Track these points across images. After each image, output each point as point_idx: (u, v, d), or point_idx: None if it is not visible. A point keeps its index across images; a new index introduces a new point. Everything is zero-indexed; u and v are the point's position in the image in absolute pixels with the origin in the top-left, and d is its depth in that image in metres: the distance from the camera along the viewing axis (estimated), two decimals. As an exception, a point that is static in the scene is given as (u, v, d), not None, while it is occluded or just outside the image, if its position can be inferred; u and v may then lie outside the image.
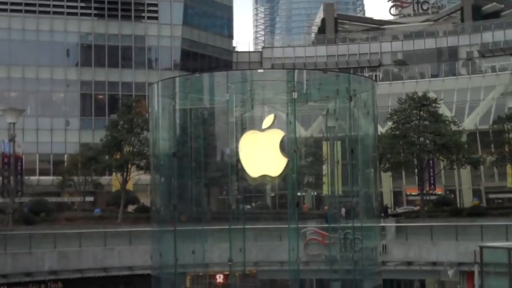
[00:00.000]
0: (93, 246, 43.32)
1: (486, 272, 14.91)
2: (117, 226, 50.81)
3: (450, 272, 40.60)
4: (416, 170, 58.91)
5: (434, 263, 42.30)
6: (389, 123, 58.64)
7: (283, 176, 28.81)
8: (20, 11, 78.62)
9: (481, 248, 14.97)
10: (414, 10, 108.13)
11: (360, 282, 32.25)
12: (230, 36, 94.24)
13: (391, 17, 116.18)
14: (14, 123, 53.67)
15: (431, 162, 60.49)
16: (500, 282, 14.64)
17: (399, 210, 59.94)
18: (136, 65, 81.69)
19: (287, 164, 27.76)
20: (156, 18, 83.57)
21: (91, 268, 42.36)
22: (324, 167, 55.70)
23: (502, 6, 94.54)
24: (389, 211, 62.90)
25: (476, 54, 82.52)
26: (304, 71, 28.32)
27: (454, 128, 57.86)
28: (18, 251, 40.15)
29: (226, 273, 41.97)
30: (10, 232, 44.40)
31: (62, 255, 41.44)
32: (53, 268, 41.00)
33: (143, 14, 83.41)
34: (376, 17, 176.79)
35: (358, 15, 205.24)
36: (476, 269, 14.30)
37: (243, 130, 30.47)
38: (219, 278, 45.32)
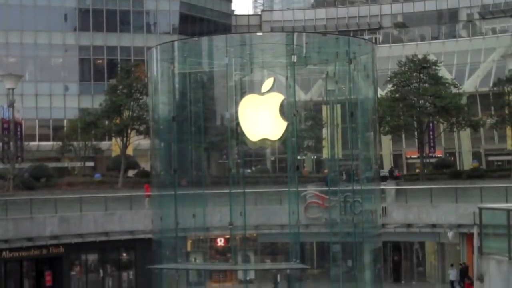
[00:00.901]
0: (94, 211, 43.46)
1: (485, 233, 14.94)
2: (117, 190, 50.97)
3: (450, 234, 40.80)
4: (416, 133, 58.90)
5: (434, 225, 42.49)
6: (389, 86, 58.47)
7: (283, 139, 28.82)
8: (17, -25, 77.98)
9: (480, 209, 14.99)
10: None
11: (360, 244, 32.42)
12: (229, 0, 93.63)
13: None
14: (13, 89, 53.56)
15: (431, 124, 60.41)
16: (499, 244, 14.68)
17: None
18: (134, 29, 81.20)
19: (286, 128, 27.75)
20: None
21: (92, 233, 42.56)
22: (324, 130, 55.68)
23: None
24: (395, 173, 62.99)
25: (476, 16, 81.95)
26: (304, 34, 28.16)
27: (454, 90, 57.68)
28: (19, 217, 40.28)
29: (227, 236, 42.17)
30: (10, 197, 44.56)
31: (63, 220, 41.62)
32: (54, 233, 41.19)
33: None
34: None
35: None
36: (475, 230, 14.36)
37: (242, 94, 30.39)
38: (220, 242, 45.59)
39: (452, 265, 43.82)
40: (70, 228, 41.76)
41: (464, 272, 41.55)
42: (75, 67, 79.49)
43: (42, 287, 43.12)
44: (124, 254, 45.96)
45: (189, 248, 41.26)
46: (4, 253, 39.67)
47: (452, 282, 42.69)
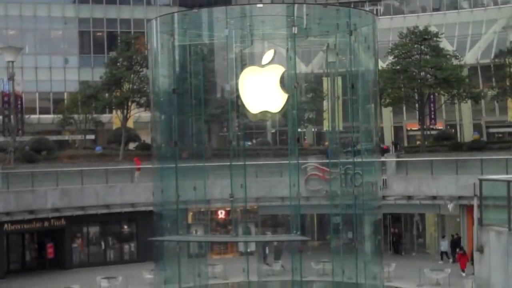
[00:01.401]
0: (95, 184, 43.59)
1: (485, 205, 14.98)
2: (118, 163, 51.04)
3: (450, 206, 40.93)
4: (416, 105, 58.77)
5: (434, 197, 42.60)
6: (390, 58, 58.23)
7: (283, 112, 28.82)
8: None
9: (481, 181, 15.00)
10: None
11: (360, 216, 32.54)
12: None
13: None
14: (12, 62, 53.41)
15: (431, 96, 60.25)
16: (499, 215, 14.72)
17: None
18: (134, 1, 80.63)
19: (287, 100, 27.70)
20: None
21: (93, 205, 42.73)
22: (325, 102, 55.62)
23: None
24: (398, 147, 63.10)
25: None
26: (304, 5, 27.86)
27: (455, 62, 57.45)
28: (21, 189, 40.41)
29: (228, 209, 42.35)
30: (12, 170, 44.63)
31: (64, 193, 41.75)
32: (55, 206, 41.35)
33: None
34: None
35: None
36: (475, 202, 14.43)
37: (242, 66, 30.32)
38: (221, 214, 45.76)
39: (443, 237, 44.31)
40: (71, 200, 41.90)
41: (456, 243, 42.03)
42: (75, 40, 79.12)
43: (44, 259, 43.38)
44: (125, 227, 46.17)
45: (190, 220, 41.45)
46: (6, 225, 39.87)
47: (442, 253, 43.20)
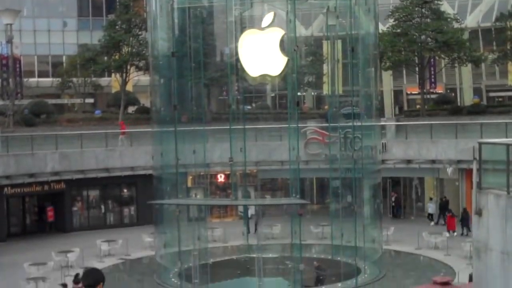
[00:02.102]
0: (95, 147, 43.60)
1: (485, 169, 14.98)
2: (117, 127, 50.96)
3: (449, 170, 41.01)
4: (417, 69, 58.53)
5: (433, 161, 42.66)
6: (390, 21, 57.83)
7: (283, 75, 28.74)
8: None
9: (480, 144, 14.97)
10: None
11: (359, 180, 32.66)
12: None
13: None
14: (11, 24, 53.08)
15: (432, 60, 60.00)
16: (498, 179, 14.72)
17: None
18: (133, -37, 79.90)
19: (287, 64, 27.60)
20: None
21: (93, 169, 42.78)
22: (325, 66, 55.41)
23: None
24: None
25: None
26: (304, -33, 27.65)
27: (456, 25, 57.08)
28: (20, 153, 40.42)
29: (227, 172, 42.42)
30: (11, 134, 44.59)
31: (64, 156, 41.77)
32: (55, 169, 41.40)
33: None
34: None
35: None
36: (474, 165, 14.42)
37: (242, 29, 30.20)
38: (220, 178, 45.86)
39: (431, 199, 44.97)
40: (71, 164, 41.95)
41: (444, 206, 42.65)
42: (73, 3, 78.48)
43: (44, 222, 43.57)
44: (125, 190, 46.29)
45: (189, 184, 41.55)
46: (6, 189, 39.95)
47: (430, 215, 43.90)
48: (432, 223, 42.96)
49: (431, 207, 44.03)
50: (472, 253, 16.54)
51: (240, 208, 42.73)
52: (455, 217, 39.89)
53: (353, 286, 28.93)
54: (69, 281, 29.60)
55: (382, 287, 28.34)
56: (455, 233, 38.59)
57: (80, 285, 24.14)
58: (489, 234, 14.36)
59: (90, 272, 8.21)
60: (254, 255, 29.79)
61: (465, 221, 38.06)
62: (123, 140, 44.71)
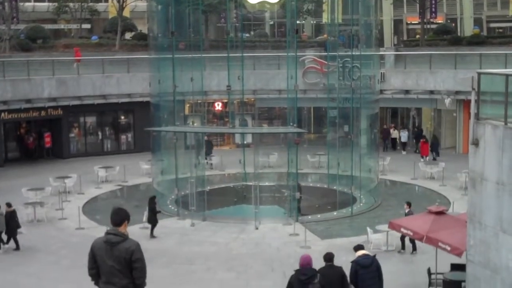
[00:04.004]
0: (92, 73, 43.33)
1: (483, 100, 14.92)
2: (114, 53, 50.60)
3: (447, 101, 40.92)
4: (417, -2, 57.89)
5: (432, 92, 42.55)
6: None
7: (282, 3, 28.42)
8: None
9: (479, 74, 14.87)
10: None
11: (357, 110, 32.61)
12: None
13: None
14: None
15: (433, -11, 59.29)
16: (496, 110, 14.68)
17: None
18: None
19: (286, -10, 27.21)
20: None
21: (90, 95, 42.63)
22: (324, -6, 54.69)
23: None
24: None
25: None
26: None
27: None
28: (17, 78, 40.19)
29: (225, 100, 42.32)
30: (8, 59, 44.24)
31: (60, 82, 41.55)
32: (52, 95, 41.24)
33: None
34: None
35: None
36: (472, 96, 14.33)
37: (241, -46, 29.66)
38: (218, 106, 45.79)
39: (404, 128, 46.17)
40: (68, 90, 41.77)
41: (419, 134, 44.18)
42: None
43: (42, 148, 43.68)
44: (122, 117, 46.26)
45: (187, 111, 41.50)
46: (3, 114, 39.88)
47: (403, 144, 44.91)
48: (404, 152, 44.14)
49: (403, 136, 45.06)
50: (467, 183, 16.63)
51: (238, 136, 42.81)
52: (428, 144, 41.65)
53: (349, 215, 29.22)
54: (66, 206, 29.91)
55: (377, 216, 28.60)
56: (428, 158, 40.49)
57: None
58: (484, 164, 14.41)
59: (116, 212, 8.95)
60: (251, 183, 29.96)
61: (435, 146, 41.35)
62: (77, 68, 43.35)
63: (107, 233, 8.90)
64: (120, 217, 8.91)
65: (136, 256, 8.78)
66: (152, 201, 26.39)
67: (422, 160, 39.67)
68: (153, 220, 25.98)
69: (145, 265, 8.96)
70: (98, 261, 8.94)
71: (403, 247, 23.46)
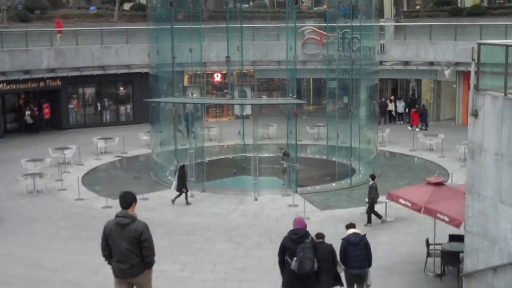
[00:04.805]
0: (90, 44, 43.14)
1: (482, 71, 14.86)
2: (113, 24, 50.35)
3: (447, 72, 40.83)
4: (418, -32, 57.54)
5: (431, 63, 42.44)
6: None
7: (282, -27, 28.23)
8: None
9: (479, 45, 14.80)
10: None
11: (357, 81, 32.53)
12: None
13: None
14: None
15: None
16: (496, 82, 14.63)
17: None
18: None
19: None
20: None
21: (89, 66, 42.50)
22: (324, -36, 54.31)
23: None
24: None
25: None
26: None
27: None
28: (15, 49, 40.02)
29: (224, 72, 42.18)
30: (5, 29, 44.01)
31: (59, 53, 41.38)
32: (50, 66, 41.10)
33: None
34: None
35: None
36: (472, 67, 14.27)
37: None
38: (217, 77, 45.65)
39: (400, 99, 46.26)
40: (66, 61, 41.61)
41: (411, 104, 44.72)
42: None
43: (41, 119, 43.62)
44: (121, 88, 46.15)
45: (186, 82, 41.39)
46: (1, 85, 39.77)
47: (399, 114, 45.27)
48: (401, 122, 44.58)
49: (399, 107, 45.31)
50: (466, 154, 16.63)
51: (237, 108, 42.75)
52: (419, 113, 42.25)
53: (348, 186, 29.27)
54: (66, 177, 29.97)
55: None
56: (417, 128, 41.07)
57: None
58: (484, 135, 14.39)
59: (123, 196, 9.94)
60: (250, 155, 29.99)
61: (423, 116, 42.02)
62: (59, 41, 42.71)
63: (117, 215, 9.84)
64: (127, 200, 9.88)
65: (144, 236, 9.75)
66: (182, 170, 26.54)
67: (410, 128, 40.88)
68: (185, 187, 26.36)
69: (153, 244, 9.92)
70: (110, 242, 9.92)
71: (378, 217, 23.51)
